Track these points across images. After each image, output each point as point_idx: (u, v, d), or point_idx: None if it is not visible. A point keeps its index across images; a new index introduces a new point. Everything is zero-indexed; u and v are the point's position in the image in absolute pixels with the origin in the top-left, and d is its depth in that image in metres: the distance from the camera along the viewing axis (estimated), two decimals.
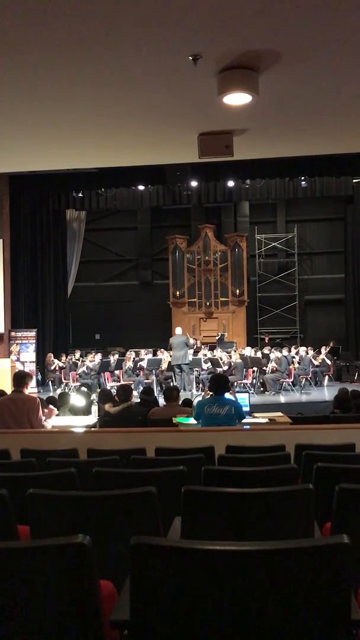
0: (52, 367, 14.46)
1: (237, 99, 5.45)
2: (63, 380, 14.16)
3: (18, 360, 13.55)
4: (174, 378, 13.48)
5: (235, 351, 15.06)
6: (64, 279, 17.26)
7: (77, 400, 7.58)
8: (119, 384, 11.88)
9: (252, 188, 15.36)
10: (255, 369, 13.40)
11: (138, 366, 14.19)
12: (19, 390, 5.51)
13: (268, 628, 1.38)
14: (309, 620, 1.38)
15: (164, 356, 14.46)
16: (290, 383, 13.26)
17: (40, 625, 1.50)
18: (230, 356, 14.13)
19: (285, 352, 14.04)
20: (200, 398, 6.95)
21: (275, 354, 13.77)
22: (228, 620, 1.38)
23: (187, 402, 7.50)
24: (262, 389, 13.31)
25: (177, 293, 18.64)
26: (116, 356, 14.24)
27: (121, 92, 5.62)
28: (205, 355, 14.41)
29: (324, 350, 14.65)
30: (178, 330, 13.92)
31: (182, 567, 1.39)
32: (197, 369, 13.47)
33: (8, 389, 7.26)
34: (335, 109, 6.25)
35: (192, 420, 5.76)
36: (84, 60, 4.95)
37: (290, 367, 13.28)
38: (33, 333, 14.28)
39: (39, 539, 2.28)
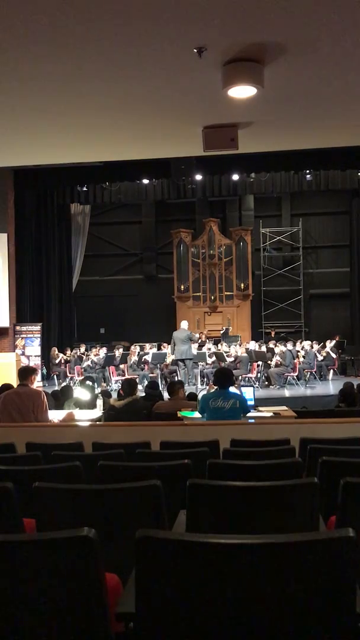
0: (57, 361, 14.50)
1: (242, 91, 5.43)
2: (68, 374, 14.20)
3: (23, 354, 13.59)
4: (178, 372, 13.49)
5: (240, 345, 15.06)
6: (68, 273, 17.27)
7: (81, 394, 7.60)
8: (123, 378, 11.90)
9: (256, 181, 15.31)
10: (259, 363, 13.39)
11: (143, 360, 14.21)
12: (24, 384, 5.54)
13: (273, 621, 1.38)
14: (313, 614, 1.38)
15: (169, 350, 14.47)
16: (295, 377, 13.25)
17: (46, 617, 1.51)
18: (236, 350, 14.13)
19: (290, 346, 14.04)
20: (205, 392, 6.95)
21: (280, 348, 13.76)
22: (233, 614, 1.38)
23: (192, 396, 7.51)
24: (266, 383, 13.31)
25: (182, 287, 18.62)
26: (121, 350, 14.26)
27: (126, 85, 5.60)
28: (209, 349, 14.42)
29: (328, 344, 14.62)
30: (184, 324, 13.83)
31: (187, 561, 1.39)
32: (201, 363, 13.47)
33: (13, 382, 7.29)
34: (340, 102, 6.21)
35: (196, 414, 5.76)
36: (88, 54, 4.93)
37: (295, 361, 13.27)
38: (38, 327, 14.32)
39: (45, 532, 2.29)
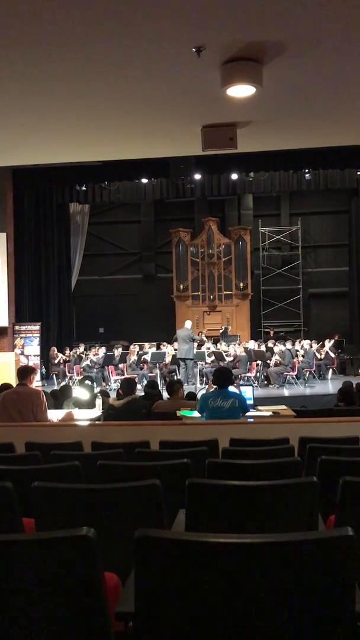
0: (56, 361, 14.50)
1: (241, 91, 5.43)
2: (67, 373, 14.20)
3: (22, 353, 13.57)
4: (177, 371, 13.48)
5: (239, 344, 15.05)
6: (67, 272, 17.25)
7: (81, 393, 7.60)
8: (123, 377, 11.90)
9: (255, 181, 15.30)
10: (259, 362, 13.39)
11: (142, 360, 14.20)
12: (23, 384, 5.53)
13: (272, 620, 1.38)
14: (313, 613, 1.38)
15: (168, 349, 14.45)
16: (294, 376, 13.25)
17: (45, 617, 1.51)
18: (235, 349, 14.12)
19: (289, 345, 14.04)
20: (204, 391, 6.95)
21: (279, 348, 13.76)
22: (232, 613, 1.38)
23: (191, 395, 7.51)
24: (265, 382, 13.31)
25: (181, 286, 18.62)
26: (120, 349, 14.25)
27: (125, 85, 5.60)
28: (208, 348, 14.41)
29: (327, 343, 14.62)
30: (187, 324, 13.73)
31: (186, 560, 1.40)
32: (200, 362, 13.46)
33: (13, 382, 7.29)
34: (339, 101, 6.21)
35: (196, 414, 5.76)
36: (87, 54, 4.93)
37: (294, 360, 13.26)
38: (37, 327, 14.31)
39: (44, 532, 2.29)
